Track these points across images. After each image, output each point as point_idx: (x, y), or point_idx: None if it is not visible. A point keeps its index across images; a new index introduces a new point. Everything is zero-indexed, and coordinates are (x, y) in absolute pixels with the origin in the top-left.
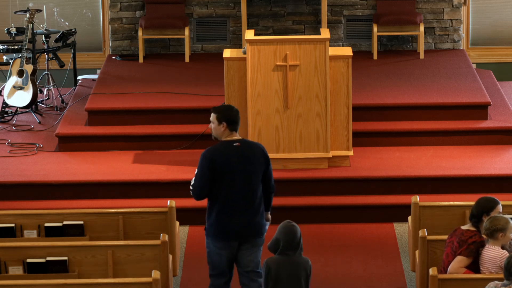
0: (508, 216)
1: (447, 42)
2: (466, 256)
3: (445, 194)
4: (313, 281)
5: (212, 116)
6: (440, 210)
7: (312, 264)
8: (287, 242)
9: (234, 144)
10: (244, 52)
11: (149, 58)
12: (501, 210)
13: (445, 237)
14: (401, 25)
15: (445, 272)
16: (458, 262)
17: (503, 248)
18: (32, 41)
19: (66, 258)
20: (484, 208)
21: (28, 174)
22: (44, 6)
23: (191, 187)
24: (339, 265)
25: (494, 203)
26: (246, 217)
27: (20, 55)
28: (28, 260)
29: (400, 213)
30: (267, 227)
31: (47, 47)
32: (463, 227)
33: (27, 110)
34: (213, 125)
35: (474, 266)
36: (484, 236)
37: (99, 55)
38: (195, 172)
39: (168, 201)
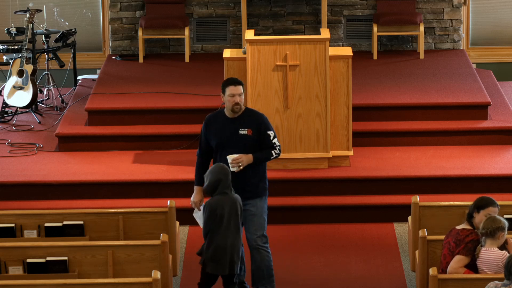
0: (508, 216)
1: (447, 42)
2: (465, 255)
3: (445, 194)
4: (313, 281)
5: (242, 88)
6: (440, 210)
7: (312, 264)
8: (226, 181)
9: None
10: (244, 52)
11: (149, 58)
12: (496, 214)
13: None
14: (401, 25)
15: (444, 273)
16: (457, 262)
17: (500, 249)
18: (32, 41)
19: (66, 258)
20: (476, 205)
21: (28, 174)
22: (44, 6)
23: (278, 148)
24: (339, 265)
25: (488, 202)
26: None
27: (20, 55)
28: (28, 260)
29: (400, 213)
30: None
31: (47, 47)
32: (458, 227)
33: (27, 110)
34: (243, 96)
35: (472, 264)
36: (481, 236)
37: (99, 55)
38: (273, 134)
39: (168, 201)
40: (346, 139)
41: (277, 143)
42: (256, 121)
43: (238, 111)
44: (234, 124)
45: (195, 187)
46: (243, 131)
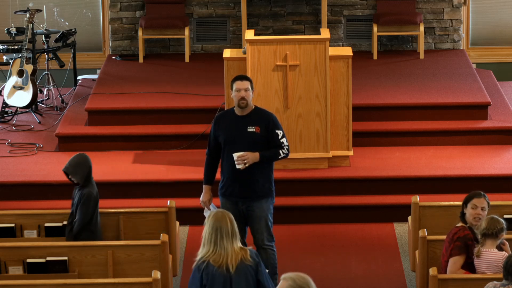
0: (508, 216)
1: (447, 42)
2: (457, 254)
3: (445, 194)
4: (313, 280)
5: (249, 84)
6: (440, 210)
7: (312, 264)
8: (91, 167)
9: None
10: (244, 52)
11: (149, 58)
12: (484, 205)
13: (445, 237)
14: (401, 25)
15: (444, 272)
16: (453, 264)
17: (499, 249)
18: (32, 41)
19: (66, 258)
20: (463, 201)
21: (28, 174)
22: (44, 6)
23: (287, 148)
24: (339, 265)
25: (472, 194)
26: None
27: (20, 55)
28: (28, 260)
29: (400, 213)
30: None
31: (47, 47)
32: (456, 226)
33: (27, 110)
34: (250, 93)
35: (470, 263)
36: (481, 236)
37: (99, 55)
38: (281, 133)
39: (168, 201)
40: (346, 139)
41: (286, 143)
42: (265, 119)
43: (244, 106)
44: (242, 122)
45: (204, 186)
46: (251, 129)
